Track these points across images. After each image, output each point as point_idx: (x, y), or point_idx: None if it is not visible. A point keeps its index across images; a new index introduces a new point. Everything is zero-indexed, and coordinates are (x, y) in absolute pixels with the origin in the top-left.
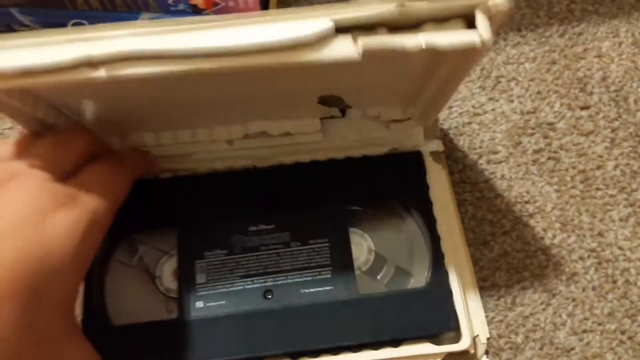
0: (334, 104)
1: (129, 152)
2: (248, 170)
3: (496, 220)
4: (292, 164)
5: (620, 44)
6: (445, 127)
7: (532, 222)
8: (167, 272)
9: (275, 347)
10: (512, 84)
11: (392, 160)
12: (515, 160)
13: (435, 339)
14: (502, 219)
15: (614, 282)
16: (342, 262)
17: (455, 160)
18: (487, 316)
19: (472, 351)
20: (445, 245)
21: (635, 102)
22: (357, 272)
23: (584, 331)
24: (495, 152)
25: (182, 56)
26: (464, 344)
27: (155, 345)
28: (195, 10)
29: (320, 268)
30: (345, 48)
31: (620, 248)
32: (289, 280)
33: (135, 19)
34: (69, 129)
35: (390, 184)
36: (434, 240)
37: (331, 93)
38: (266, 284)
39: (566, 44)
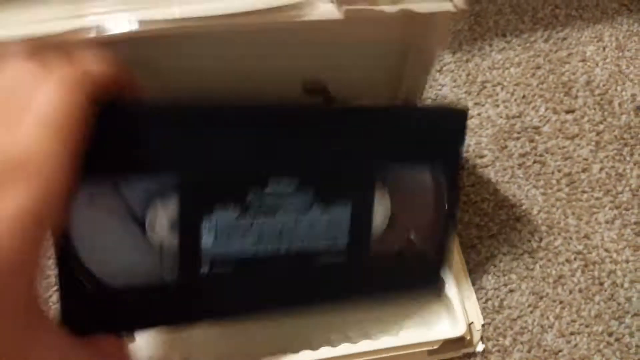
0: (318, 94)
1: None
2: (269, 107)
3: (483, 223)
4: (321, 107)
5: (604, 48)
6: None
7: (518, 225)
8: (160, 219)
9: (280, 308)
10: (498, 88)
11: (434, 114)
12: (501, 164)
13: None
14: (489, 222)
15: (601, 284)
16: (362, 228)
17: None
18: None
19: (468, 338)
20: None
21: (620, 105)
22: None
23: (572, 333)
24: (482, 157)
25: (178, 20)
26: (459, 330)
27: (148, 309)
28: None
29: (339, 236)
30: (329, 9)
31: (606, 250)
32: (304, 250)
33: None
34: None
35: (425, 140)
36: (452, 208)
37: (314, 77)
38: (280, 252)
39: (551, 48)
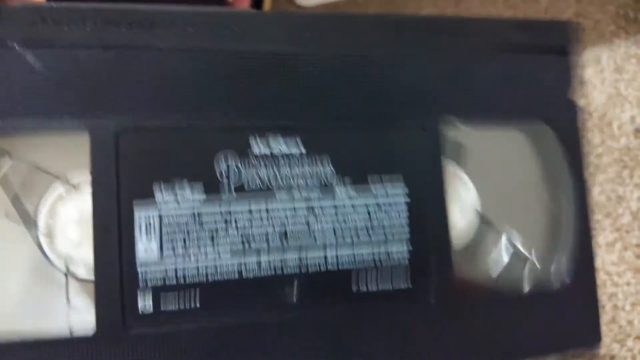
0: None
1: None
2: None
3: None
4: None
5: (602, 71)
6: None
7: None
8: (63, 221)
9: None
10: None
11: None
12: None
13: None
14: None
15: (602, 307)
16: (431, 233)
17: None
18: None
19: None
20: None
21: (619, 127)
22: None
23: (573, 356)
24: None
25: None
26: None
27: None
28: None
29: (389, 244)
30: None
31: (607, 273)
32: (330, 265)
33: None
34: None
35: (515, 84)
36: (582, 200)
37: None
38: (286, 269)
39: None
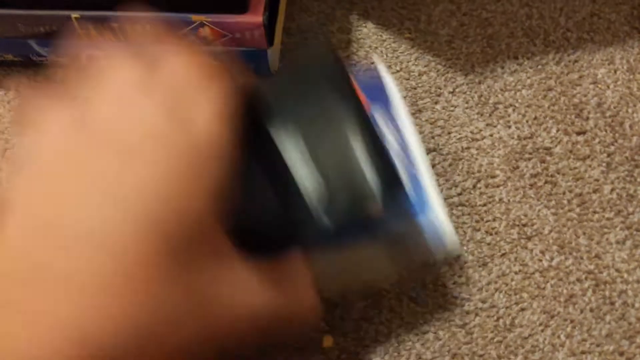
0: None
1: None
2: None
3: (494, 242)
4: None
5: (615, 71)
6: (444, 152)
7: (530, 244)
8: None
9: None
10: (510, 110)
11: None
12: (513, 184)
13: None
14: (500, 241)
15: (612, 303)
16: None
17: (454, 184)
18: (486, 337)
19: None
20: None
21: (631, 127)
22: None
23: (583, 352)
24: (494, 177)
25: None
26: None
27: None
28: (205, 42)
29: None
30: None
31: (617, 270)
32: None
33: None
34: None
35: None
36: None
37: None
38: None
39: (562, 71)
